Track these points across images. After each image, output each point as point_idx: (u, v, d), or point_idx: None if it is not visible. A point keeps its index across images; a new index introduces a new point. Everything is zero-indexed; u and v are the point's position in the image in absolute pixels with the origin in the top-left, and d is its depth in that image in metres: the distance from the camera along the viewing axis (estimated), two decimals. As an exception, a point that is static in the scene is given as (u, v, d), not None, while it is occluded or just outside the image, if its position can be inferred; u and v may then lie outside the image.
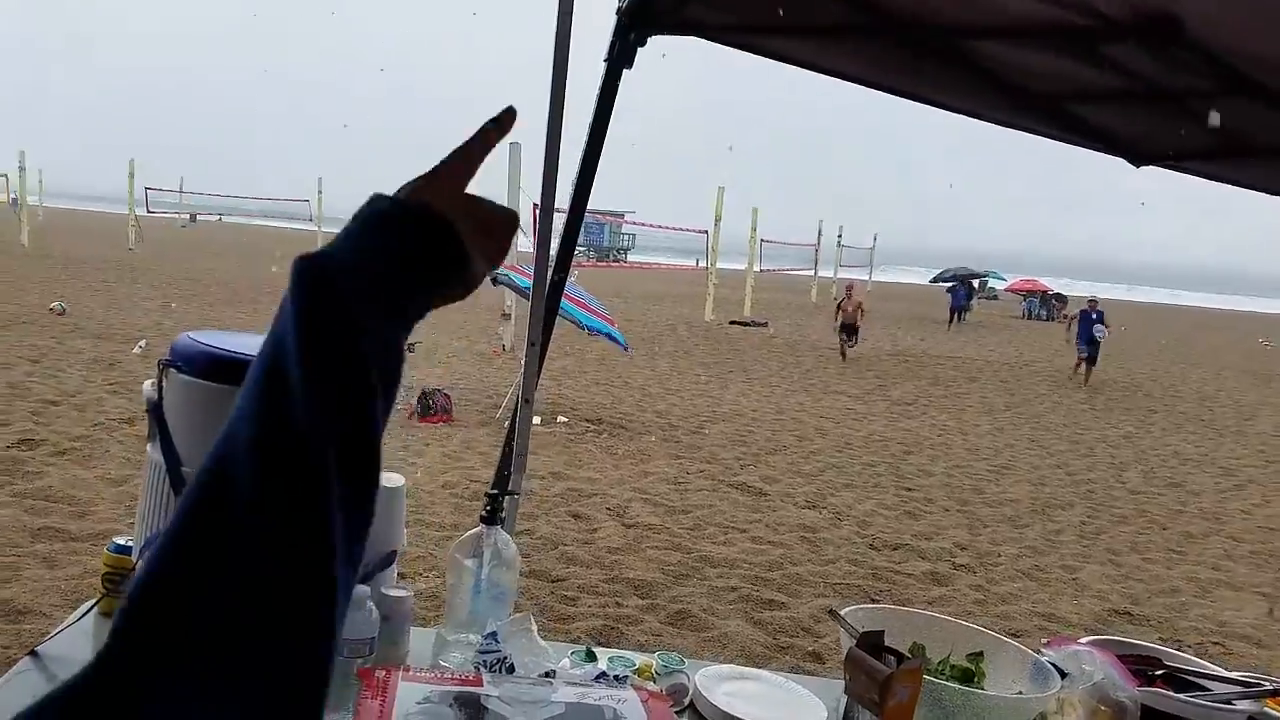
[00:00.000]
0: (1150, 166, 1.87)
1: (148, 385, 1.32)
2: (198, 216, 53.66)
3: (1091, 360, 16.45)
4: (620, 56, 1.73)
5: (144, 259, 24.43)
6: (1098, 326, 16.41)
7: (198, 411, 1.28)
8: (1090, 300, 17.49)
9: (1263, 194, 2.02)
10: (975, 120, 1.76)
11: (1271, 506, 8.16)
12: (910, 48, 1.55)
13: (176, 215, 46.67)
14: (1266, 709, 1.37)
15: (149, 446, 1.31)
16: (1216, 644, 4.77)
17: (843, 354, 15.98)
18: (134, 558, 1.34)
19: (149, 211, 38.97)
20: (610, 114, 1.90)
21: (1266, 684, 1.51)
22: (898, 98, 1.73)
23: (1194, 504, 7.98)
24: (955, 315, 27.41)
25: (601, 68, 1.78)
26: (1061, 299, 35.70)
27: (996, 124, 1.76)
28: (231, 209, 54.28)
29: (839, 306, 16.33)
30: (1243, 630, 5.01)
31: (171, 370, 1.29)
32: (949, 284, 29.98)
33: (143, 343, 10.60)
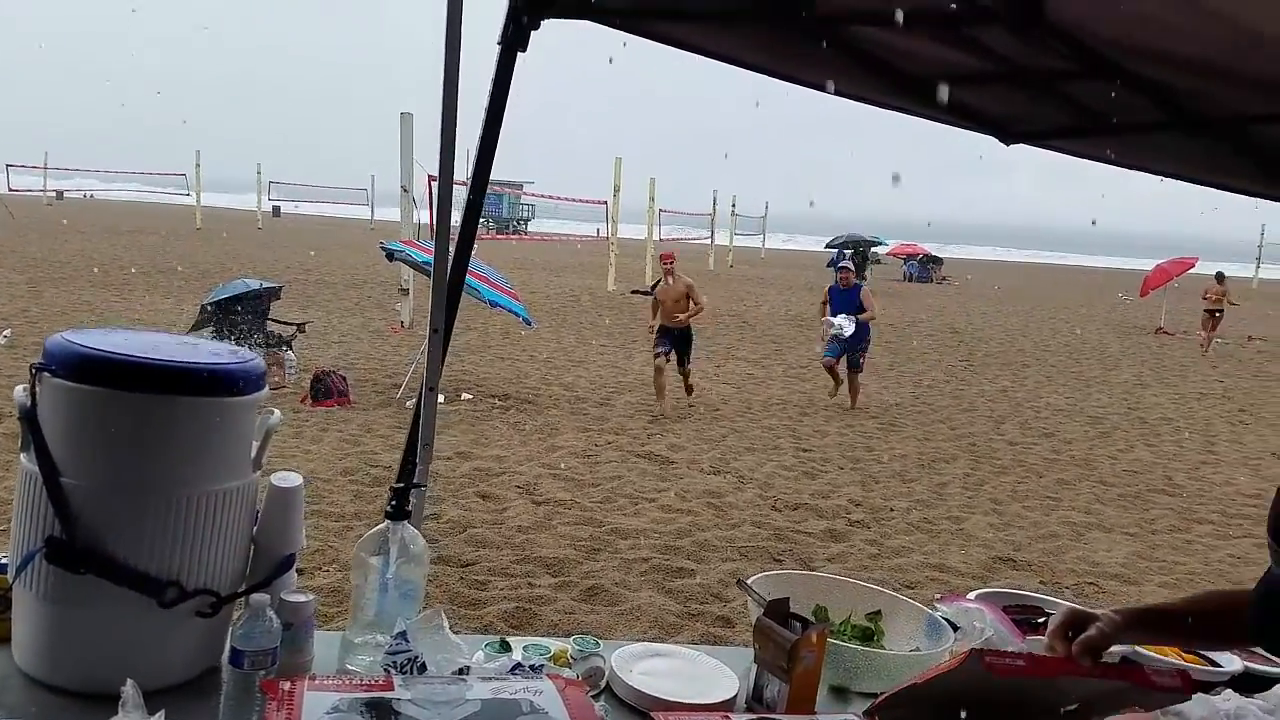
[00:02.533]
0: (1020, 144, 1.97)
1: (19, 391, 1.24)
2: (65, 193, 50.14)
3: (852, 366, 9.85)
4: (514, 39, 1.70)
5: (5, 239, 22.63)
6: (841, 319, 9.62)
7: (74, 416, 1.21)
8: (842, 266, 10.43)
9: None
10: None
11: (1135, 451, 8.81)
12: (798, 33, 1.58)
13: (42, 193, 43.43)
14: (1137, 649, 1.49)
15: (22, 456, 1.23)
16: (1091, 584, 5.14)
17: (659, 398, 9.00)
18: (9, 575, 1.26)
19: (10, 190, 36.10)
20: (506, 95, 1.87)
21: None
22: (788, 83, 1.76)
23: (1066, 452, 8.53)
24: None
25: (495, 50, 1.75)
26: (937, 261, 37.19)
27: (876, 106, 1.82)
28: (102, 184, 50.84)
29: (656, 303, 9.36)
30: (1114, 570, 5.41)
31: (45, 374, 1.21)
32: (834, 254, 24.31)
33: (7, 332, 9.87)
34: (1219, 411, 11.31)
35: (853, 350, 9.92)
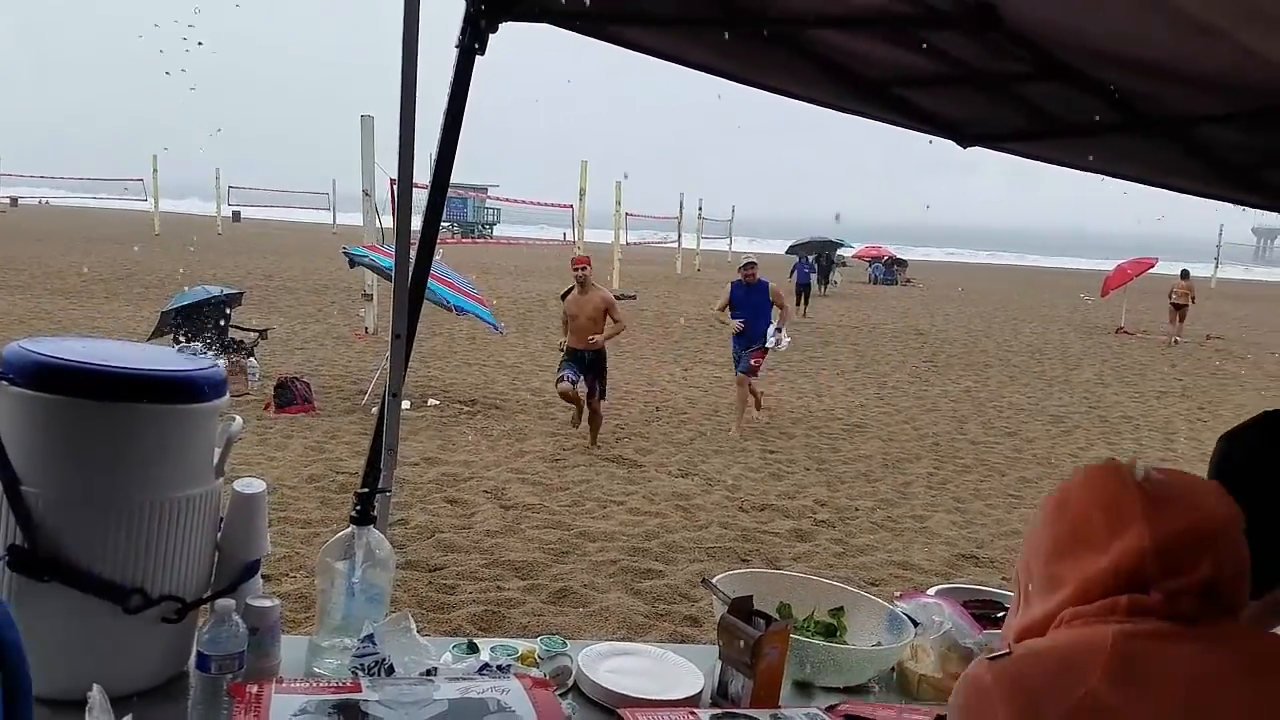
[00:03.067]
0: (976, 147, 2.02)
1: (-25, 401, 1.22)
2: (19, 200, 49.05)
3: (746, 371, 8.65)
4: (471, 42, 1.71)
5: (-48, 248, 22.07)
6: (784, 335, 8.86)
7: (34, 425, 1.20)
8: (747, 263, 8.84)
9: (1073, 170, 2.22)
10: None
11: (1095, 449, 9.00)
12: (759, 38, 1.61)
13: (-5, 199, 42.51)
14: None
15: (-20, 467, 1.22)
16: (1050, 577, 5.25)
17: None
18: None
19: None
20: (465, 99, 1.87)
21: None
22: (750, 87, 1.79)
23: (1028, 450, 8.69)
24: (802, 295, 20.35)
25: (454, 53, 1.75)
26: (902, 263, 37.63)
27: (836, 110, 1.85)
28: (57, 190, 49.81)
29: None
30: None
31: (2, 383, 1.20)
32: (796, 260, 22.55)
33: (-42, 342, 9.63)
34: (1178, 409, 11.58)
35: (746, 350, 8.50)
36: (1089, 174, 2.20)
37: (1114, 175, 2.19)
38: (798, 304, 19.72)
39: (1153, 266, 22.83)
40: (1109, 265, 25.13)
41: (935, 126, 1.94)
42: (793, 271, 21.48)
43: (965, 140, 1.98)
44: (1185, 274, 20.88)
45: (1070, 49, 1.60)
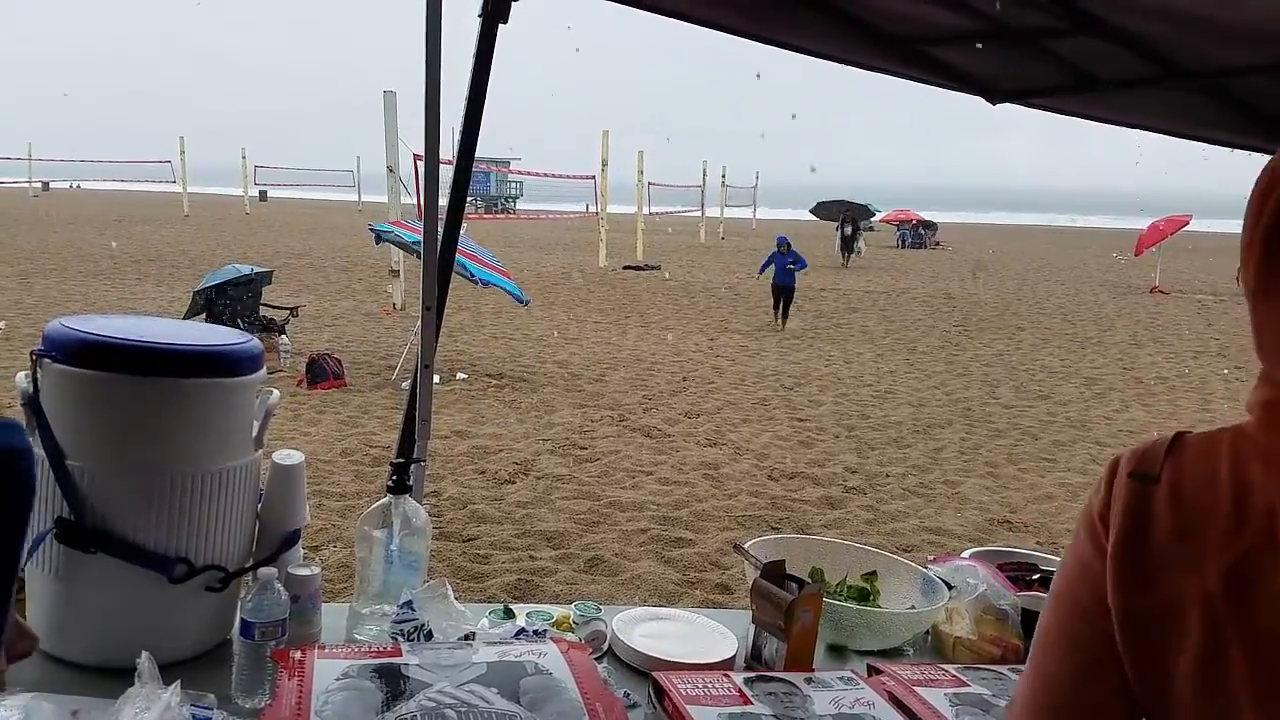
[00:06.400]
0: (1006, 103, 1.98)
1: (21, 377, 1.26)
2: (51, 184, 49.81)
3: (785, 304, 13.46)
4: (495, 11, 1.70)
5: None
6: None
7: (77, 401, 1.23)
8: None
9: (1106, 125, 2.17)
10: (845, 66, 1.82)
11: (1130, 411, 8.87)
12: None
13: (28, 184, 43.13)
14: None
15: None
16: (1085, 541, 5.20)
17: None
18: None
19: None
20: (489, 69, 1.87)
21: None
22: (773, 47, 1.76)
23: (1062, 414, 8.59)
24: (780, 301, 13.68)
25: (477, 22, 1.75)
26: (931, 226, 37.04)
27: (865, 69, 1.82)
28: (88, 174, 50.52)
29: None
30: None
31: (45, 360, 1.23)
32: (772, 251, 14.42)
33: (1, 324, 9.85)
34: (1214, 369, 11.36)
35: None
36: (1121, 128, 2.15)
37: (1146, 129, 2.14)
38: (775, 310, 13.60)
39: (1187, 224, 22.31)
40: (1142, 224, 24.59)
41: (964, 83, 1.90)
42: (765, 266, 14.36)
43: (995, 97, 1.94)
44: None
45: (1102, 1, 1.56)
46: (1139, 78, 1.71)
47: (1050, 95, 1.96)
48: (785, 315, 13.49)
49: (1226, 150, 2.06)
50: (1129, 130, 2.18)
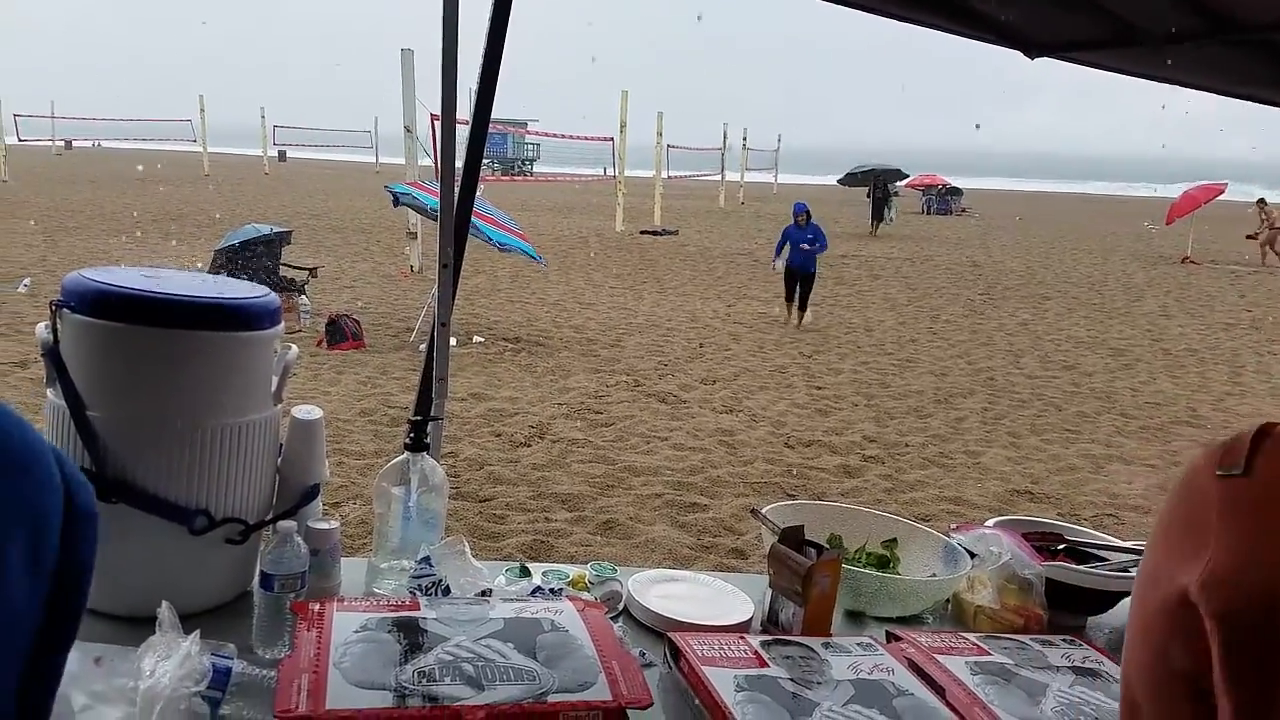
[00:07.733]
0: (1044, 58, 1.91)
1: (41, 328, 1.25)
2: (74, 142, 50.10)
3: (802, 292, 10.59)
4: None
5: (18, 191, 22.65)
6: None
7: (96, 351, 1.23)
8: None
9: (1147, 81, 2.10)
10: (876, 17, 1.76)
11: (1158, 383, 8.75)
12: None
13: (51, 142, 43.39)
14: None
15: (49, 391, 1.25)
16: (1110, 515, 5.16)
17: None
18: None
19: (20, 140, 36.07)
20: (505, 27, 1.83)
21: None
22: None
23: (1087, 385, 8.49)
24: (793, 287, 10.98)
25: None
26: (957, 192, 36.47)
27: (899, 20, 1.76)
28: (109, 132, 50.77)
29: None
30: (1134, 501, 5.42)
31: (64, 311, 1.22)
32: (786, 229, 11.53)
33: (26, 280, 9.96)
34: (1246, 342, 11.18)
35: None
36: (1161, 85, 2.08)
37: (1190, 86, 2.07)
38: (788, 301, 11.01)
39: (1222, 193, 21.83)
40: (1175, 191, 24.08)
41: (1002, 37, 1.84)
42: (780, 247, 11.28)
43: (1033, 50, 1.88)
44: (1262, 202, 20.26)
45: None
46: (1186, 32, 1.65)
47: (1089, 49, 1.89)
48: (803, 306, 10.80)
49: (1277, 111, 1.98)
50: (1162, 93, 2.11)
